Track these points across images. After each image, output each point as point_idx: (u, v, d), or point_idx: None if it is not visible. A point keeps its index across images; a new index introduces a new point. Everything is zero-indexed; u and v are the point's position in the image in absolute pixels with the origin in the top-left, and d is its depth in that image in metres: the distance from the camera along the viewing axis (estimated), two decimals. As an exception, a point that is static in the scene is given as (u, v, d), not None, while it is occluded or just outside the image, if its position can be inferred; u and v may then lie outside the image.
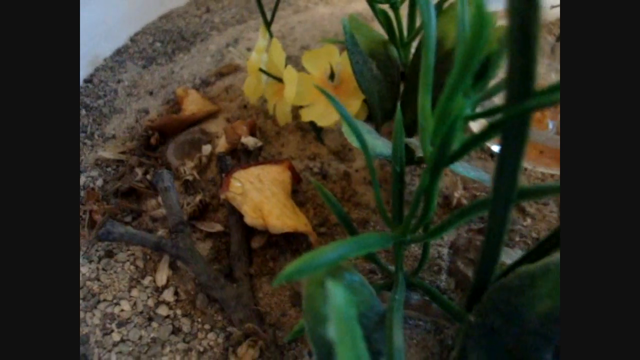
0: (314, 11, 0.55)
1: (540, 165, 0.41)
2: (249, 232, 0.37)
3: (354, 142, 0.27)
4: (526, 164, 0.41)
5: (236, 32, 0.53)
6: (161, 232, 0.38)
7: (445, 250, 0.36)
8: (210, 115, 0.45)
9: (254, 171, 0.38)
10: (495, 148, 0.42)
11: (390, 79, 0.41)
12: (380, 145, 0.31)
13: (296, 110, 0.41)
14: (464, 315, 0.28)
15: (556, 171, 0.42)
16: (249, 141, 0.39)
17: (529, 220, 0.38)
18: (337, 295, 0.19)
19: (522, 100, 0.20)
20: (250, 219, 0.35)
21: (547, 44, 0.49)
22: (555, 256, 0.25)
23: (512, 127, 0.21)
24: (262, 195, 0.36)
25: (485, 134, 0.22)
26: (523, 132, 0.21)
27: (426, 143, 0.25)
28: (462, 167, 0.29)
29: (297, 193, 0.40)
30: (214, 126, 0.44)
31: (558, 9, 0.52)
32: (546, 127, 0.42)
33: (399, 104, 0.29)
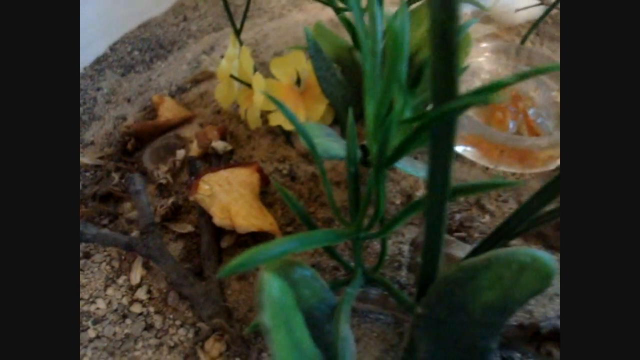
0: (288, 18, 0.57)
1: (502, 165, 0.43)
2: (219, 232, 0.39)
3: (304, 144, 0.29)
4: (488, 163, 0.43)
5: (212, 40, 0.55)
6: (135, 233, 0.40)
7: (406, 247, 0.38)
8: (185, 121, 0.47)
9: (223, 174, 0.39)
10: (459, 148, 0.43)
11: (356, 84, 0.43)
12: (336, 147, 0.32)
13: (266, 114, 0.42)
14: (413, 307, 0.29)
15: (516, 170, 0.43)
16: (219, 145, 0.41)
17: (487, 217, 0.39)
18: (271, 284, 0.20)
19: (445, 101, 0.21)
20: (219, 219, 0.37)
21: (513, 46, 0.51)
22: (497, 250, 0.27)
23: (439, 130, 0.22)
24: (230, 197, 0.38)
25: (414, 137, 0.23)
26: (450, 134, 0.22)
27: (372, 145, 0.26)
28: (400, 164, 0.31)
29: (266, 194, 0.41)
30: (188, 131, 0.46)
31: (524, 12, 0.53)
32: (507, 127, 0.44)
33: (350, 108, 0.31)
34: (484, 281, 0.26)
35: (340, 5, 0.41)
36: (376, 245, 0.38)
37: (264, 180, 0.41)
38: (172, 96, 0.50)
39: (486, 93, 0.22)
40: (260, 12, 0.59)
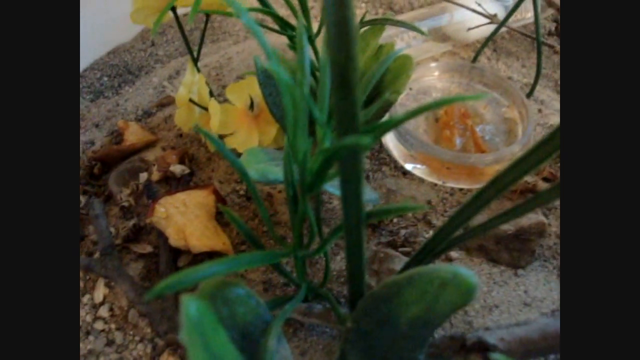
0: (252, 41, 0.59)
1: (450, 181, 0.45)
2: (177, 252, 0.41)
3: (238, 169, 0.31)
4: (436, 180, 0.45)
5: (178, 64, 0.57)
6: (98, 254, 0.42)
7: (353, 263, 0.40)
8: (149, 145, 0.49)
9: (180, 196, 0.41)
10: (409, 166, 0.45)
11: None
12: (277, 171, 0.34)
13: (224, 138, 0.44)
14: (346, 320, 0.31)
15: (465, 185, 0.45)
16: (177, 169, 0.43)
17: (431, 232, 0.41)
18: (188, 305, 0.22)
19: (349, 134, 0.23)
20: (173, 240, 0.39)
21: (463, 64, 0.53)
22: (420, 267, 0.28)
23: (346, 161, 0.24)
24: (185, 219, 0.40)
25: (325, 168, 0.25)
26: (356, 164, 0.24)
27: (298, 173, 0.28)
28: (330, 187, 0.33)
29: (223, 215, 0.43)
30: (152, 155, 0.48)
31: (480, 29, 0.56)
32: (454, 144, 0.46)
33: (287, 135, 0.33)
34: (408, 296, 0.28)
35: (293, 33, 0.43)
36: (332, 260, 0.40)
37: (220, 201, 0.43)
38: (139, 120, 0.52)
39: (386, 125, 0.24)
40: (225, 36, 0.61)
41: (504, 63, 0.58)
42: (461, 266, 0.40)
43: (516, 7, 0.49)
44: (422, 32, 0.41)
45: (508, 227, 0.40)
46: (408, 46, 0.56)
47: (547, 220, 0.43)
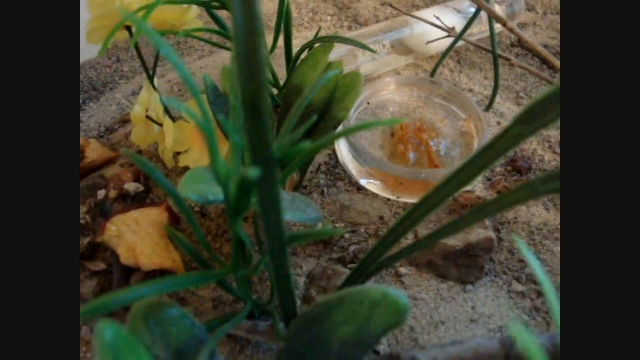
0: (218, 56, 0.59)
1: (404, 196, 0.45)
2: (129, 270, 0.41)
3: (169, 191, 0.31)
4: (390, 195, 0.45)
5: (142, 80, 0.57)
6: (52, 273, 0.42)
7: (302, 280, 0.40)
8: (110, 161, 0.49)
9: (133, 214, 0.42)
10: (364, 182, 0.46)
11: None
12: (217, 191, 0.35)
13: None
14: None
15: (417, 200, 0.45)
16: (131, 187, 0.44)
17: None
18: (102, 331, 0.23)
19: (263, 163, 0.24)
20: (124, 258, 0.39)
21: (421, 78, 0.53)
22: (351, 288, 0.29)
23: (263, 189, 0.25)
24: (137, 237, 0.40)
25: (242, 195, 0.26)
26: (273, 193, 0.25)
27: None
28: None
29: (178, 232, 0.44)
30: (112, 172, 0.48)
31: (438, 43, 0.56)
32: (408, 160, 0.47)
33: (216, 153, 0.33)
34: (339, 317, 0.28)
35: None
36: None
37: (174, 218, 0.43)
38: (101, 137, 0.52)
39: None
40: (190, 51, 0.62)
41: (466, 75, 0.59)
42: (410, 282, 0.41)
43: (471, 21, 0.49)
44: (371, 50, 0.41)
45: (456, 243, 0.40)
46: (371, 60, 0.57)
47: (499, 234, 0.44)
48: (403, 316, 0.27)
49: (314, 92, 0.32)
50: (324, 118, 0.43)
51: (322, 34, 0.64)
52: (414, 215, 0.29)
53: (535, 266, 0.22)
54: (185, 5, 0.43)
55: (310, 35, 0.63)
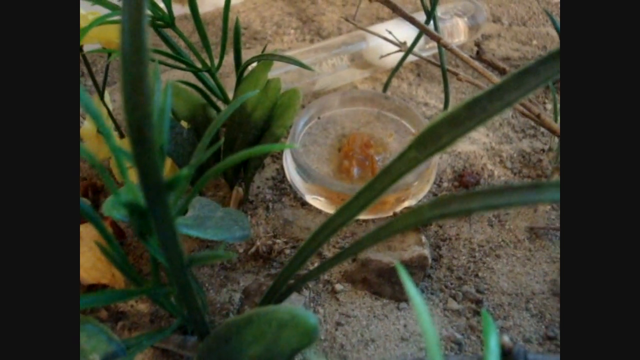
0: (173, 72, 0.60)
1: (348, 210, 0.46)
2: (72, 284, 0.42)
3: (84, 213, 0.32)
4: (334, 211, 0.46)
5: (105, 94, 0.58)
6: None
7: (237, 295, 0.41)
8: (64, 176, 0.50)
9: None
10: (308, 197, 0.46)
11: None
12: (144, 210, 0.35)
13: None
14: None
15: (365, 216, 0.46)
16: (76, 202, 0.45)
17: (316, 264, 0.42)
18: None
19: (152, 189, 0.24)
20: (64, 274, 0.40)
21: (376, 93, 0.54)
22: (259, 308, 0.29)
23: (156, 212, 0.25)
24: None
25: (137, 220, 0.26)
26: (166, 218, 0.25)
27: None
28: (185, 228, 0.34)
29: (123, 246, 0.44)
30: (65, 186, 0.49)
31: (394, 56, 0.56)
32: (353, 175, 0.47)
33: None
34: (248, 336, 0.29)
35: (199, 66, 0.44)
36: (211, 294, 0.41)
37: (119, 233, 0.44)
38: (59, 151, 0.53)
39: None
40: (153, 65, 0.63)
41: (424, 89, 0.59)
42: (345, 299, 0.41)
43: (418, 38, 0.50)
44: (309, 68, 0.42)
45: (391, 261, 0.41)
46: (329, 73, 0.57)
47: (439, 251, 0.44)
48: (312, 337, 0.27)
49: (224, 117, 0.33)
50: (264, 135, 0.44)
51: (285, 47, 0.65)
52: (316, 238, 0.30)
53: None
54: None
55: (272, 48, 0.64)
